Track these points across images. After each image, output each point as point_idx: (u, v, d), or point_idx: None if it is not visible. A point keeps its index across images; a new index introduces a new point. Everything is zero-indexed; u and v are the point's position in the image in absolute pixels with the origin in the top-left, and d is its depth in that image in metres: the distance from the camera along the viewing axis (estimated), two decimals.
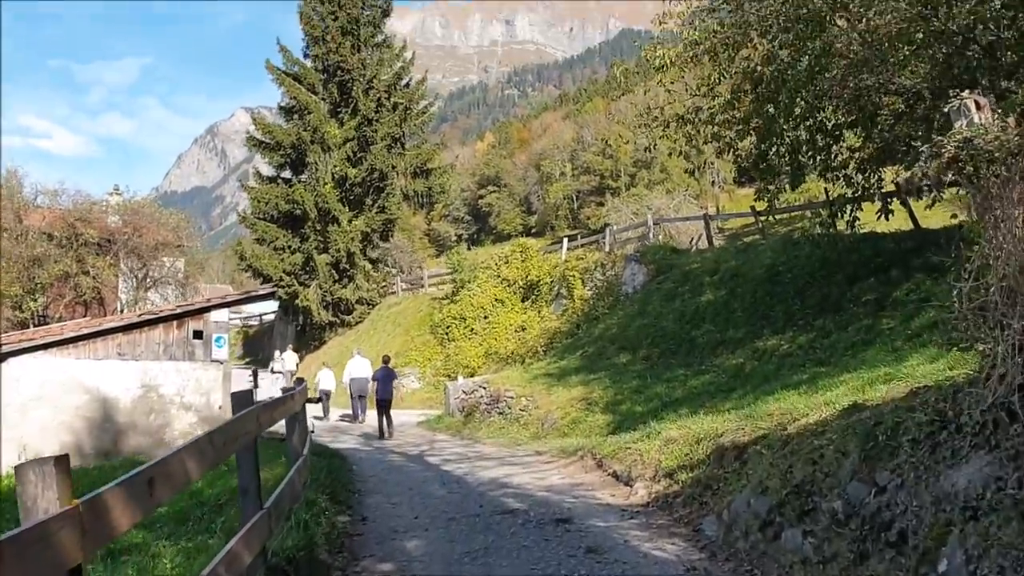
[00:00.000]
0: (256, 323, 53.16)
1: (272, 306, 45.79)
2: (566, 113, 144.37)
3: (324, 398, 22.64)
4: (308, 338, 38.40)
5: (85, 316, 32.48)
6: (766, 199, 16.68)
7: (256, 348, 47.97)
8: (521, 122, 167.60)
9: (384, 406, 17.75)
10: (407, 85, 39.13)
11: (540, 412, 16.72)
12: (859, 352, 12.24)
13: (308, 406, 11.15)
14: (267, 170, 40.02)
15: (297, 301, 35.85)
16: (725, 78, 15.02)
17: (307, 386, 11.26)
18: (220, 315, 17.78)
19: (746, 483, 6.27)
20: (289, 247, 36.66)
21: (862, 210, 15.96)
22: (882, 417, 5.12)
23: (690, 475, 7.36)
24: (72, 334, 16.09)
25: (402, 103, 37.40)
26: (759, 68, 14.28)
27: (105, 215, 38.09)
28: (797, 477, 5.49)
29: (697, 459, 7.58)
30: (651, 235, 26.05)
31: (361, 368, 21.12)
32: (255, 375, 17.14)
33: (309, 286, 35.90)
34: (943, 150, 4.44)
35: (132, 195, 40.61)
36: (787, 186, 16.20)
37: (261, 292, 18.75)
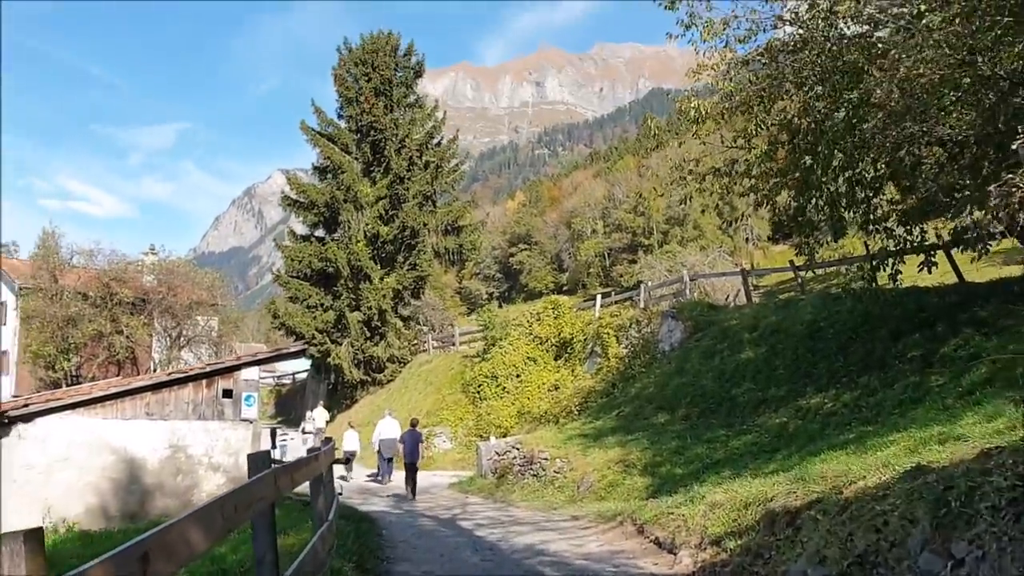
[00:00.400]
0: (289, 382, 53.15)
1: (305, 364, 45.85)
2: (597, 171, 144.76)
3: (349, 459, 22.68)
4: (340, 396, 38.21)
5: (118, 375, 32.54)
6: (806, 253, 16.26)
7: (289, 407, 47.82)
8: (552, 180, 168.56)
9: (411, 468, 18.23)
10: (438, 144, 39.47)
11: (576, 474, 16.22)
12: (908, 410, 11.69)
13: (335, 467, 10.81)
14: (301, 229, 40.37)
15: (329, 359, 35.76)
16: (761, 130, 14.77)
17: (334, 446, 10.95)
18: (250, 373, 17.58)
19: (801, 552, 5.81)
20: (322, 305, 36.73)
21: (904, 263, 15.49)
22: (953, 481, 4.69)
23: (739, 542, 6.89)
24: (100, 393, 15.95)
25: (433, 161, 37.71)
26: (796, 120, 14.02)
27: (140, 275, 38.45)
28: (859, 546, 5.04)
29: (746, 525, 7.11)
30: (687, 291, 25.62)
31: (391, 429, 21.44)
32: (273, 434, 16.81)
33: (341, 344, 35.82)
34: (1014, 189, 4.09)
35: (167, 255, 41.10)
36: (828, 240, 15.79)
37: (292, 350, 18.55)
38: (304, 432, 29.32)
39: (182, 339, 39.96)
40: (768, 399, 16.41)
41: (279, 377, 54.30)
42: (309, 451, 6.88)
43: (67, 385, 30.78)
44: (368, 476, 22.89)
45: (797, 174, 14.69)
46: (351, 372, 35.67)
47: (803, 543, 5.90)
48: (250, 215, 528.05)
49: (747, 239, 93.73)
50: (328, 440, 11.42)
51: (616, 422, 19.62)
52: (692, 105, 13.92)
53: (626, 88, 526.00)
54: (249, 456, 4.32)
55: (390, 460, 21.36)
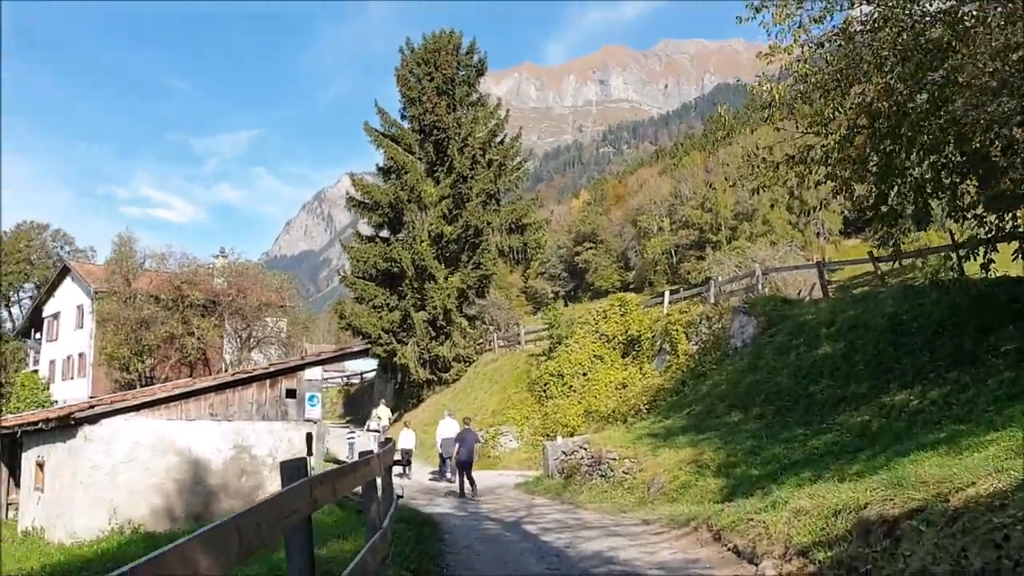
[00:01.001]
0: (357, 381, 53.53)
1: (373, 364, 46.04)
2: (663, 168, 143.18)
3: (408, 461, 23.03)
4: (406, 396, 38.18)
5: (191, 376, 33.01)
6: (890, 244, 15.32)
7: (357, 406, 48.09)
8: (617, 178, 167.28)
9: (466, 467, 18.24)
10: (501, 142, 39.13)
11: (646, 475, 15.63)
12: (1004, 408, 10.85)
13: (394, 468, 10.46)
14: (367, 230, 40.49)
15: (395, 359, 35.74)
16: (838, 114, 13.95)
17: (393, 446, 10.62)
18: (313, 373, 17.43)
19: (903, 567, 5.20)
20: (387, 305, 36.74)
21: (997, 251, 14.50)
22: None
23: (828, 554, 6.28)
24: (164, 395, 15.95)
25: (497, 160, 37.37)
26: (876, 103, 13.18)
27: (211, 277, 38.99)
28: (975, 564, 4.42)
29: (836, 535, 6.48)
30: (759, 286, 24.72)
31: (450, 429, 21.45)
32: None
33: (407, 344, 35.75)
34: None
35: (236, 257, 41.66)
36: (911, 228, 14.90)
37: (355, 349, 18.36)
38: (369, 430, 29.32)
39: (252, 340, 40.46)
40: (848, 396, 15.58)
41: (349, 376, 54.73)
42: (361, 455, 6.50)
43: (141, 386, 31.30)
44: (431, 475, 23.13)
45: (878, 160, 13.87)
46: (417, 371, 35.56)
47: (905, 557, 5.28)
48: (320, 219, 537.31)
49: (818, 233, 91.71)
50: (387, 442, 11.09)
51: (687, 421, 18.94)
52: (764, 88, 13.23)
53: (691, 84, 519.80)
54: (282, 464, 3.93)
55: (450, 458, 20.96)
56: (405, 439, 23.47)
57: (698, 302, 26.96)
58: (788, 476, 12.87)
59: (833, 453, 12.91)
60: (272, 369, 17.14)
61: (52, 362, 45.26)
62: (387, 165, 38.68)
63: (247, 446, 16.58)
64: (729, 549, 8.04)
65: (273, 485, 16.58)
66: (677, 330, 24.48)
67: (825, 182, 15.02)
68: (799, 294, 26.70)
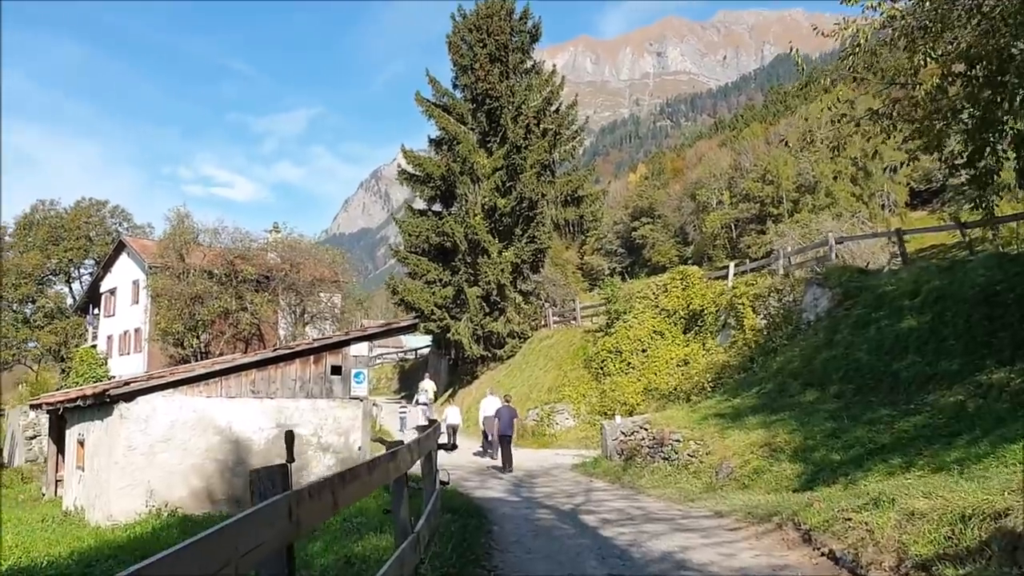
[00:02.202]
0: (412, 357, 53.23)
1: (428, 340, 45.47)
2: (722, 140, 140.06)
3: (451, 432, 23.77)
4: (460, 372, 37.43)
5: (245, 352, 32.65)
6: (982, 207, 13.84)
7: (411, 382, 47.63)
8: (674, 152, 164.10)
9: (506, 441, 19.18)
10: (556, 111, 37.75)
11: (713, 459, 14.48)
12: None
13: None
14: (419, 204, 39.69)
15: (448, 335, 34.95)
16: (930, 60, 12.45)
17: (437, 429, 9.66)
18: (359, 349, 16.57)
19: None
20: (440, 280, 35.91)
21: None
22: None
23: (960, 572, 5.11)
24: (203, 371, 15.23)
25: (551, 129, 36.01)
26: (973, 48, 11.69)
27: (264, 252, 38.61)
28: None
29: (967, 546, 5.30)
30: (832, 255, 23.14)
31: (493, 407, 21.65)
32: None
33: (460, 319, 34.90)
34: None
35: (290, 232, 41.22)
36: (1014, 186, 13.39)
37: (401, 324, 17.43)
38: (418, 403, 30.20)
39: (306, 316, 40.06)
40: (938, 374, 14.18)
41: (404, 353, 54.30)
42: (389, 446, 5.51)
43: (196, 362, 31.02)
44: (475, 452, 23.29)
45: (973, 112, 12.41)
46: (471, 348, 34.71)
47: None
48: (377, 197, 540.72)
49: (883, 205, 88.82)
50: (430, 423, 10.15)
51: (757, 400, 17.66)
52: (847, 29, 11.82)
53: (750, 55, 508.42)
54: (252, 473, 2.93)
55: (493, 435, 21.54)
56: (452, 414, 24.46)
57: (765, 274, 25.51)
58: (875, 462, 11.71)
59: (925, 437, 11.66)
60: (316, 345, 16.30)
61: (109, 337, 45.57)
62: (439, 137, 37.67)
63: (291, 425, 15.81)
64: (823, 555, 6.86)
65: (318, 466, 15.87)
66: (743, 304, 23.13)
67: (912, 138, 13.61)
68: (867, 266, 25.10)
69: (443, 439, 24.79)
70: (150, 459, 14.50)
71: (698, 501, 11.84)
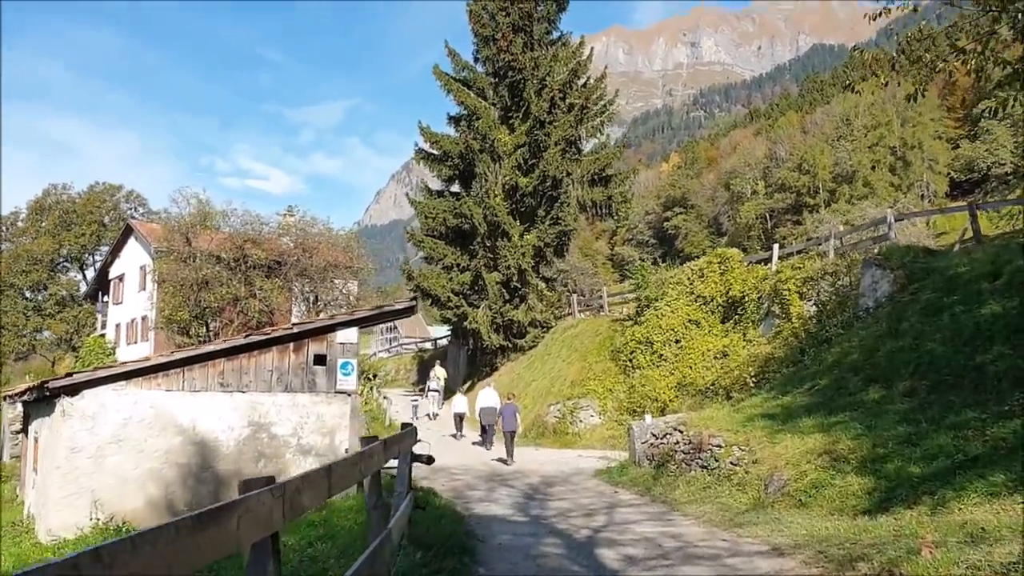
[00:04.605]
0: (431, 347, 51.23)
1: (446, 331, 43.29)
2: (757, 129, 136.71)
3: (458, 420, 26.01)
4: (479, 363, 35.12)
5: None
6: None
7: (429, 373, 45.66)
8: (708, 141, 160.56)
9: (510, 436, 19.82)
10: (584, 84, 35.20)
11: (761, 469, 11.99)
12: None
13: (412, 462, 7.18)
14: (437, 185, 37.41)
15: (466, 323, 32.66)
16: None
17: (411, 433, 7.37)
18: (348, 336, 14.27)
19: None
20: (458, 265, 33.64)
21: None
22: None
23: None
24: (162, 360, 12.99)
25: (578, 103, 33.44)
26: None
27: (276, 237, 36.54)
28: None
29: None
30: (892, 234, 20.43)
31: (489, 399, 22.80)
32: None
33: (478, 307, 32.62)
34: None
35: (302, 215, 39.09)
36: None
37: (396, 307, 15.03)
38: (429, 390, 31.39)
39: (319, 303, 37.95)
40: None
41: (421, 342, 52.39)
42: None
43: None
44: (474, 442, 24.15)
45: None
46: (489, 337, 32.37)
47: None
48: (409, 188, 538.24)
49: (922, 196, 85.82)
50: (403, 429, 7.91)
51: (810, 398, 15.08)
52: None
53: (786, 46, 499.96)
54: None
55: (490, 427, 22.70)
56: (459, 403, 26.53)
57: (813, 256, 22.87)
58: (969, 478, 9.23)
59: None
60: (297, 330, 13.97)
61: (118, 325, 43.84)
62: (458, 113, 35.36)
63: (266, 423, 13.57)
64: None
65: (297, 471, 13.51)
66: (789, 290, 20.57)
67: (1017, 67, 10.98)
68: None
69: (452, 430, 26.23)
70: (98, 463, 12.29)
71: (747, 526, 9.40)
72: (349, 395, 14.27)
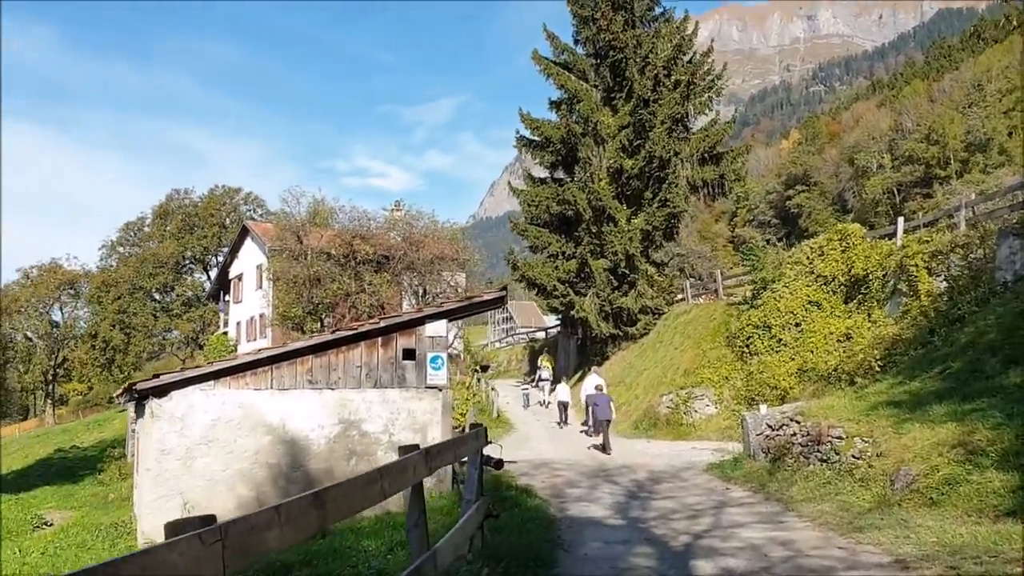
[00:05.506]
0: (542, 337, 50.82)
1: (556, 320, 42.69)
2: (880, 100, 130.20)
3: (563, 408, 26.25)
4: (589, 352, 34.25)
5: None
6: None
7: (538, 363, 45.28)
8: (829, 115, 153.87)
9: (605, 425, 20.15)
10: (690, 60, 33.71)
11: (886, 462, 10.75)
12: None
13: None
14: (540, 172, 36.74)
15: (573, 312, 31.87)
16: None
17: (483, 434, 6.72)
18: (436, 329, 13.76)
19: None
20: (563, 253, 32.88)
21: None
22: None
23: None
24: (249, 359, 12.79)
25: (683, 79, 32.00)
26: None
27: (384, 232, 36.80)
28: None
29: None
30: None
31: (593, 384, 23.24)
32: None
33: (585, 295, 31.76)
34: None
35: (408, 209, 39.19)
36: None
37: (486, 298, 14.49)
38: (540, 379, 31.51)
39: (428, 296, 37.98)
40: None
41: (532, 332, 52.05)
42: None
43: None
44: (581, 428, 24.15)
45: None
46: (598, 325, 31.48)
47: None
48: (521, 180, 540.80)
49: None
50: (474, 428, 7.29)
51: (942, 383, 13.56)
52: None
53: (909, 13, 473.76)
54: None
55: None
56: (562, 392, 26.65)
57: (942, 229, 20.96)
58: None
59: None
60: (384, 325, 13.54)
61: (238, 323, 45.24)
62: (559, 98, 34.51)
63: (356, 420, 13.21)
64: None
65: None
66: (916, 265, 18.88)
67: None
68: None
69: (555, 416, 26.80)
70: (187, 465, 12.21)
71: (869, 530, 8.31)
72: (440, 390, 13.76)
